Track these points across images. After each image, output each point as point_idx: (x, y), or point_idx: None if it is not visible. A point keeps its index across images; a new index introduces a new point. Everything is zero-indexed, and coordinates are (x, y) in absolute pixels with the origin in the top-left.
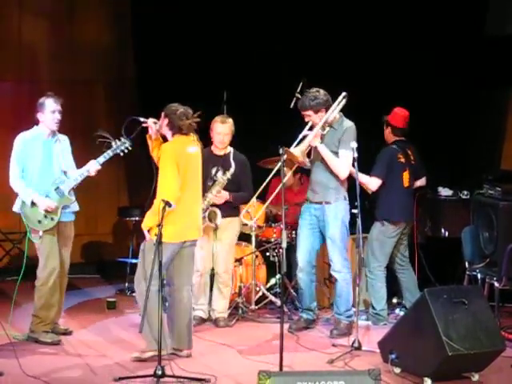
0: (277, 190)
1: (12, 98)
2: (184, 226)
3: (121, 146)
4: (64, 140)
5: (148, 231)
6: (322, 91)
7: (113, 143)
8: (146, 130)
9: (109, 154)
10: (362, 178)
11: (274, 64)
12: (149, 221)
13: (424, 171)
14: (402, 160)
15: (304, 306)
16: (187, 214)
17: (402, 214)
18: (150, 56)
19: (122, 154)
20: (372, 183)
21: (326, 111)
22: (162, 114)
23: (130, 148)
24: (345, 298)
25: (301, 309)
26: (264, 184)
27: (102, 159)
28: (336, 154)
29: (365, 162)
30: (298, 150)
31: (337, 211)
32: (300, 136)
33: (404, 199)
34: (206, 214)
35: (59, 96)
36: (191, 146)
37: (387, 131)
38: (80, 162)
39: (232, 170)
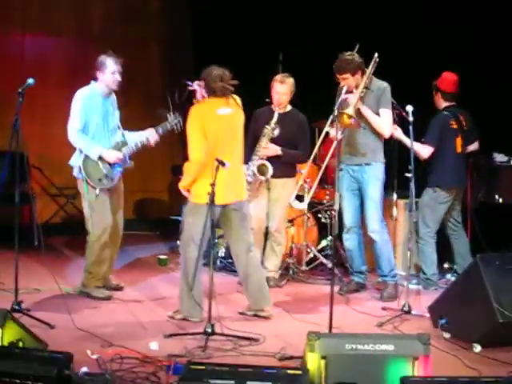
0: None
1: (67, 54)
2: (219, 188)
3: (176, 122)
4: (113, 97)
5: (188, 192)
6: (356, 54)
7: (168, 116)
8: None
9: (166, 126)
10: (414, 146)
11: (328, 25)
12: (182, 181)
13: (477, 135)
14: (455, 126)
15: (355, 268)
16: (222, 177)
17: (455, 180)
18: (205, 16)
19: (176, 131)
20: (424, 151)
21: (362, 74)
22: (201, 75)
23: (181, 127)
24: (386, 258)
25: (352, 271)
26: (318, 144)
27: (160, 130)
28: (377, 114)
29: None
30: (350, 109)
31: (376, 172)
32: (339, 100)
33: (457, 165)
34: (255, 167)
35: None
36: (223, 107)
37: (437, 97)
38: (134, 119)
39: (274, 122)
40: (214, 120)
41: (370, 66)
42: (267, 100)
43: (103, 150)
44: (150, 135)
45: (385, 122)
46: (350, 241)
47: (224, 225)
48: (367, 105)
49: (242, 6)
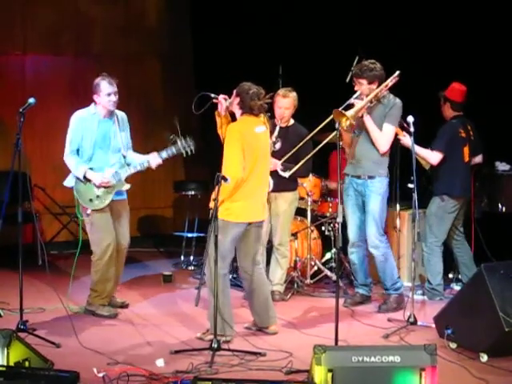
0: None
1: (68, 73)
2: (249, 206)
3: (186, 146)
4: (122, 118)
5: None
6: (378, 64)
7: (179, 142)
8: (215, 106)
9: (172, 151)
10: (422, 152)
11: (329, 37)
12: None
13: (481, 148)
14: (463, 135)
15: (359, 281)
16: (253, 194)
17: (463, 189)
18: (205, 29)
19: (184, 155)
20: (433, 157)
21: (379, 85)
22: (234, 92)
23: (193, 151)
24: (389, 273)
25: (356, 284)
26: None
27: (164, 154)
28: (380, 128)
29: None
30: (351, 111)
31: (378, 186)
32: (346, 102)
33: (464, 174)
34: None
35: (113, 74)
36: (259, 125)
37: (446, 107)
38: (135, 135)
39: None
40: (253, 138)
41: (388, 80)
42: (269, 114)
43: (88, 171)
44: (152, 159)
45: (384, 137)
46: (354, 254)
47: (239, 239)
48: (374, 117)
49: (242, 20)
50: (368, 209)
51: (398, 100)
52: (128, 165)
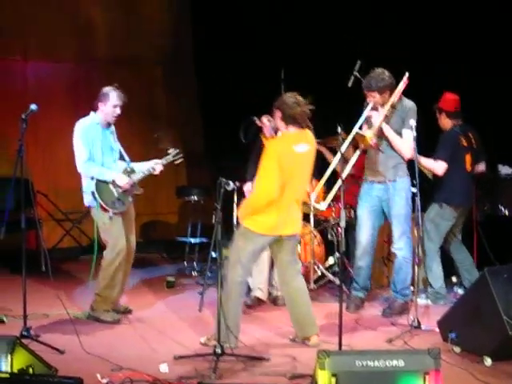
0: (331, 167)
1: (70, 80)
2: (279, 220)
3: (175, 153)
4: (113, 128)
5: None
6: (386, 72)
7: (170, 150)
8: (260, 128)
9: (170, 158)
10: (428, 163)
11: (331, 42)
12: (241, 212)
13: (485, 156)
14: (465, 143)
15: (361, 284)
16: (286, 209)
17: (463, 199)
18: (207, 35)
19: (177, 162)
20: (439, 167)
21: (390, 93)
22: (274, 107)
23: (181, 157)
24: (403, 276)
25: (357, 287)
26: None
27: (164, 161)
28: (399, 134)
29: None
30: (370, 132)
31: (401, 188)
32: (363, 116)
33: (466, 183)
34: None
35: (115, 80)
36: (301, 143)
37: (442, 117)
38: (134, 141)
39: None
40: (291, 158)
41: (400, 86)
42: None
43: (115, 174)
44: (156, 164)
45: (406, 144)
46: (362, 261)
47: (275, 252)
48: (391, 123)
49: (244, 26)
50: (393, 212)
51: (411, 103)
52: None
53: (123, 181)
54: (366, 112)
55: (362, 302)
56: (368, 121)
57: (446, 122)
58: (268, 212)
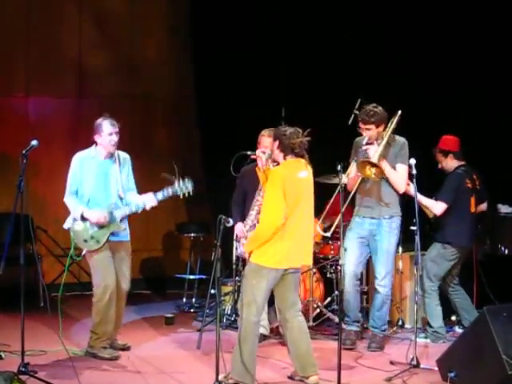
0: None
1: (71, 115)
2: (287, 252)
3: (183, 188)
4: (124, 159)
5: (248, 254)
6: (380, 107)
7: (176, 183)
8: (254, 161)
9: (168, 192)
10: (426, 202)
11: (331, 80)
12: (249, 245)
13: (486, 195)
14: (470, 185)
15: (353, 318)
16: (292, 239)
17: (468, 240)
18: (208, 70)
19: (181, 196)
20: (437, 208)
21: (385, 127)
22: (272, 138)
23: (191, 193)
24: (384, 313)
25: (349, 321)
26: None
27: (160, 196)
28: (394, 168)
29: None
30: (375, 157)
31: (394, 226)
32: (362, 151)
33: (470, 225)
34: (256, 220)
35: (116, 116)
36: (302, 170)
37: (448, 159)
38: (136, 177)
39: None
40: (295, 184)
41: (395, 121)
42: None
43: (85, 210)
44: (147, 200)
45: (401, 178)
46: (349, 293)
47: (278, 288)
48: (386, 159)
49: (245, 62)
50: (383, 247)
51: (403, 139)
52: (127, 205)
53: (93, 216)
54: (363, 147)
55: (356, 336)
56: (363, 155)
57: (451, 164)
58: (277, 241)
